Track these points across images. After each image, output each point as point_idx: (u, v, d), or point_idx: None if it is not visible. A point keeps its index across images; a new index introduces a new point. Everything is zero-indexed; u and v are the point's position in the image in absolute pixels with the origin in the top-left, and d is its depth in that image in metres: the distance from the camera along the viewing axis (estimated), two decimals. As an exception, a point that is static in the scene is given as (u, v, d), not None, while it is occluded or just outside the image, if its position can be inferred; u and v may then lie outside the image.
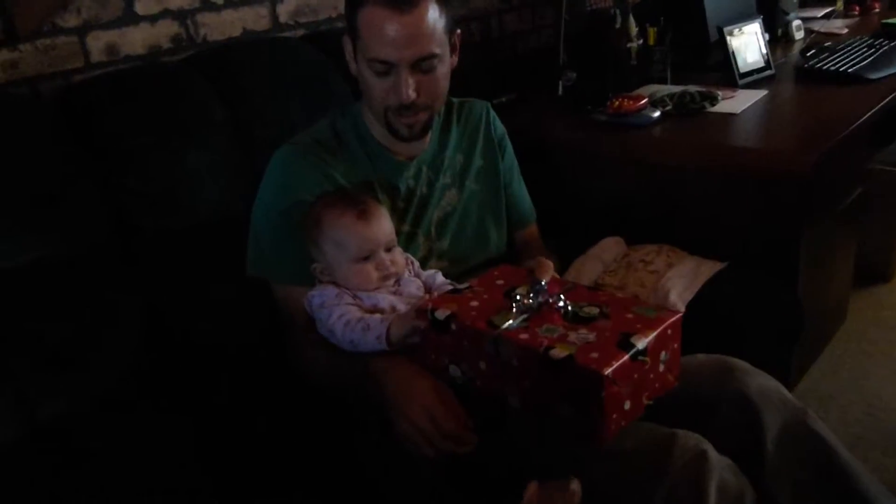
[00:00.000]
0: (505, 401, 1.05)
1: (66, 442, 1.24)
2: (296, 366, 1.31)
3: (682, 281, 1.49)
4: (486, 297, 1.11)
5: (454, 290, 1.15)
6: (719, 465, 1.04)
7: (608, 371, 0.92)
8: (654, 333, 0.99)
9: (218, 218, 1.48)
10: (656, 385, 1.01)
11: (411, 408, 1.08)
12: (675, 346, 1.03)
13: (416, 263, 1.33)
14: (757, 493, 1.09)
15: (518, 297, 1.06)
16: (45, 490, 1.15)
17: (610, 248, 1.66)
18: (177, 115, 1.47)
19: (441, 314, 1.07)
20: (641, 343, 0.97)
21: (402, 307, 1.20)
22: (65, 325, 1.30)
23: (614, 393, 0.94)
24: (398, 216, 1.36)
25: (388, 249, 1.24)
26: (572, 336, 0.99)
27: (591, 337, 0.98)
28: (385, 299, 1.21)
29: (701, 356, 1.27)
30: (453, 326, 1.06)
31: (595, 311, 1.04)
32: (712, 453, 1.04)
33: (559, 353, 0.95)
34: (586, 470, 1.02)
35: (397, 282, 1.25)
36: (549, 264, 1.20)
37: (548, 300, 1.05)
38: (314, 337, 1.23)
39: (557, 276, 1.21)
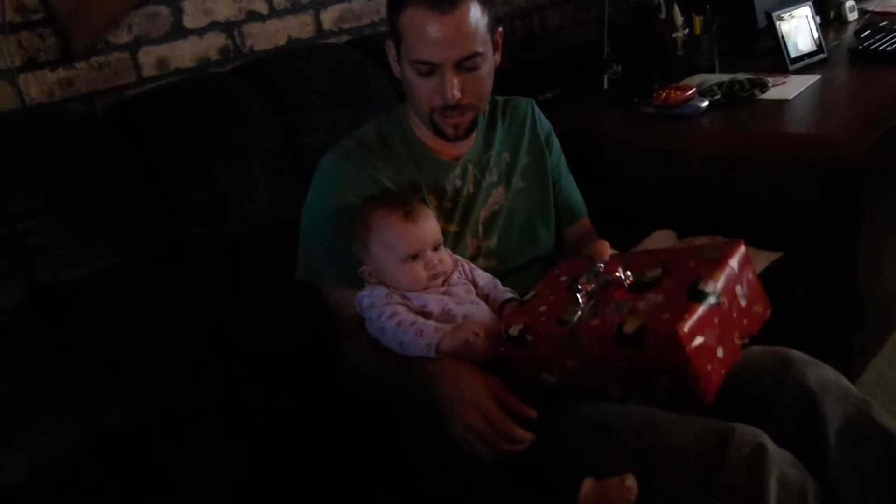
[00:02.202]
0: (604, 392, 1.04)
1: (131, 449, 1.28)
2: (346, 368, 1.32)
3: (735, 272, 1.46)
4: (552, 298, 1.10)
5: (521, 302, 1.14)
6: (779, 459, 1.01)
7: (684, 327, 0.89)
8: (722, 273, 0.95)
9: (270, 224, 1.51)
10: (744, 322, 0.98)
11: (464, 410, 1.08)
12: (750, 275, 1.00)
13: (470, 266, 1.33)
14: (820, 487, 1.07)
15: (580, 287, 1.05)
16: (111, 497, 1.19)
17: (661, 240, 1.64)
18: (227, 126, 1.51)
19: (514, 331, 1.06)
20: (710, 287, 0.94)
21: (452, 307, 1.21)
22: (126, 333, 1.34)
23: (698, 346, 0.90)
24: (445, 216, 1.37)
25: (436, 249, 1.24)
26: (641, 305, 0.96)
27: (660, 299, 0.95)
28: (434, 300, 1.22)
29: (757, 348, 1.24)
30: (529, 338, 1.05)
31: (657, 272, 1.01)
32: (771, 446, 1.01)
33: (631, 326, 0.93)
34: (642, 465, 1.01)
35: (446, 281, 1.25)
36: (605, 244, 1.18)
37: (608, 279, 1.03)
38: (364, 338, 1.24)
39: (616, 253, 1.17)
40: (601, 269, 1.05)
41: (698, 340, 0.90)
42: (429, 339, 1.14)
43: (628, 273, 1.03)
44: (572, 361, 1.03)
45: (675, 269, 1.00)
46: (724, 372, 0.95)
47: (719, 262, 0.97)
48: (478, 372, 1.11)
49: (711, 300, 0.93)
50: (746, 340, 0.98)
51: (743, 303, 0.98)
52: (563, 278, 1.14)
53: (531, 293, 1.15)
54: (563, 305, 1.05)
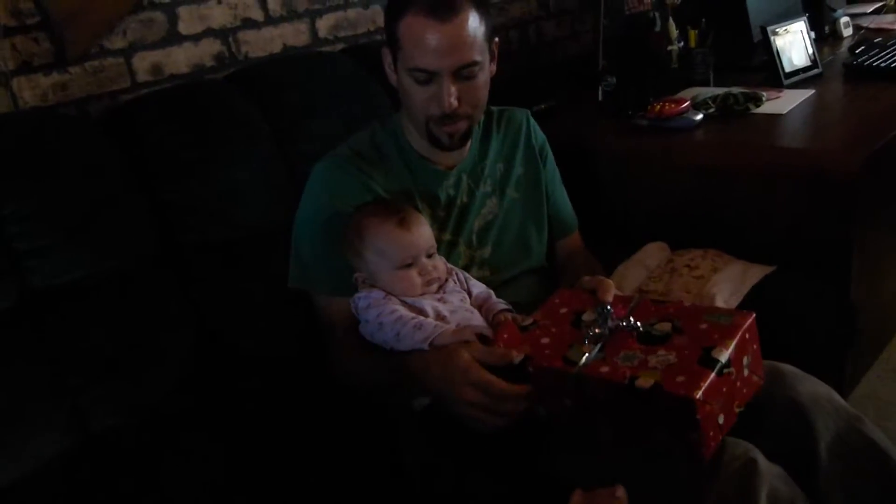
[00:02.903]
0: (595, 430, 1.05)
1: (118, 453, 1.27)
2: (337, 373, 1.32)
3: (728, 286, 1.46)
4: (554, 330, 1.10)
5: (522, 327, 1.14)
6: (769, 473, 1.01)
7: (699, 394, 0.91)
8: (734, 343, 0.97)
9: (263, 230, 1.51)
10: (745, 391, 1.00)
11: (459, 390, 1.07)
12: (755, 346, 1.02)
13: (465, 275, 1.32)
14: (811, 502, 1.06)
15: (589, 328, 1.06)
16: (97, 501, 1.18)
17: (654, 253, 1.64)
18: (220, 132, 1.50)
19: (517, 358, 1.06)
20: (724, 356, 0.96)
21: (446, 314, 1.20)
22: (117, 338, 1.33)
23: (707, 412, 0.93)
24: (438, 225, 1.37)
25: (430, 256, 1.25)
26: (652, 360, 0.98)
27: (672, 358, 0.98)
28: (429, 305, 1.21)
29: (749, 362, 1.25)
30: (530, 369, 1.05)
31: (668, 327, 1.03)
32: (762, 461, 1.01)
33: (645, 382, 0.94)
34: (632, 477, 1.00)
35: (441, 288, 1.25)
36: (609, 283, 1.18)
37: (618, 324, 1.05)
38: (354, 344, 1.24)
39: (620, 294, 1.19)
40: (611, 313, 1.06)
41: (708, 407, 0.93)
42: (427, 333, 1.13)
43: (637, 322, 1.04)
44: (569, 400, 1.04)
45: (685, 327, 1.02)
46: (721, 437, 0.97)
47: (732, 330, 0.99)
48: (456, 347, 1.10)
49: (722, 369, 0.95)
50: (742, 408, 1.00)
51: (746, 373, 1.00)
52: (565, 310, 1.14)
53: (530, 319, 1.15)
54: (567, 341, 1.06)
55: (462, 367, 1.08)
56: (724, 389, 0.95)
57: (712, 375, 0.93)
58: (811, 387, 1.16)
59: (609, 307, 1.08)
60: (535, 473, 1.12)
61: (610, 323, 1.05)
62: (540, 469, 1.12)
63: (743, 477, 0.99)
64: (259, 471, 1.23)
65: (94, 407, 1.29)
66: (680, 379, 0.93)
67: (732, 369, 0.97)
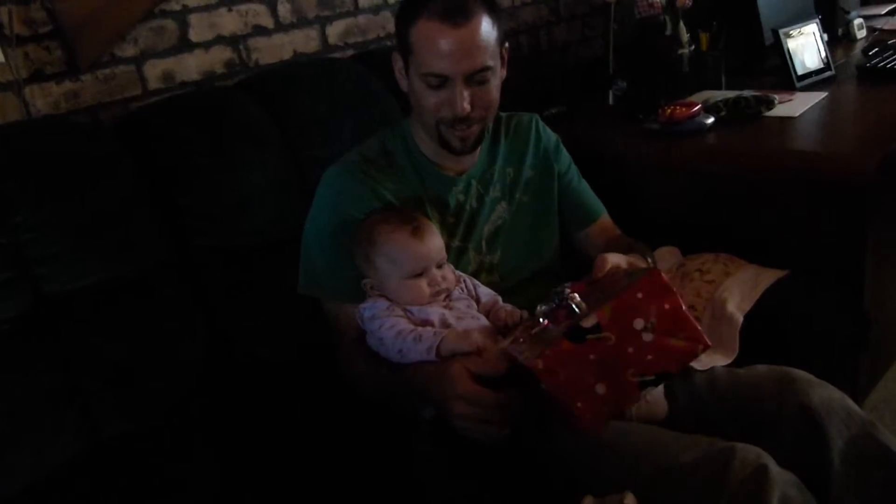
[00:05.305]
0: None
1: (129, 459, 1.28)
2: (347, 380, 1.31)
3: (740, 290, 1.45)
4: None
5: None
6: (781, 480, 1.00)
7: (540, 363, 0.90)
8: (610, 306, 0.93)
9: (275, 236, 1.52)
10: (647, 357, 0.94)
11: (452, 404, 1.07)
12: (666, 306, 0.94)
13: (473, 282, 1.32)
14: (824, 509, 1.05)
15: (541, 311, 1.04)
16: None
17: (665, 257, 1.63)
18: (231, 138, 1.51)
19: (503, 366, 1.06)
20: (589, 322, 0.92)
21: (452, 321, 1.20)
22: (129, 344, 1.34)
23: (558, 381, 0.91)
24: (448, 231, 1.37)
25: (440, 266, 1.24)
26: (553, 333, 0.97)
27: (560, 330, 0.96)
28: (435, 313, 1.21)
29: (761, 367, 1.24)
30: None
31: (597, 299, 0.99)
32: (773, 467, 1.00)
33: (525, 359, 0.94)
34: (642, 484, 1.00)
35: (448, 296, 1.25)
36: (602, 259, 1.13)
37: (555, 304, 1.01)
38: (363, 352, 1.24)
39: (624, 269, 1.12)
40: (567, 293, 1.01)
41: (555, 376, 0.91)
42: (428, 342, 1.13)
43: (572, 304, 0.99)
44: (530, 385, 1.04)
45: (603, 299, 0.98)
46: (607, 410, 0.94)
47: (616, 295, 0.95)
48: (452, 360, 1.10)
49: (584, 335, 0.92)
50: (652, 377, 0.94)
51: (648, 337, 0.94)
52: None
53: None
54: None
55: (451, 379, 1.08)
56: (592, 357, 0.92)
57: (567, 344, 0.91)
58: (824, 392, 1.15)
59: (567, 288, 1.02)
60: (536, 466, 1.12)
61: (553, 303, 1.02)
62: (541, 465, 1.12)
63: (754, 483, 0.98)
64: (270, 478, 1.23)
65: (106, 412, 1.30)
66: (540, 351, 0.92)
67: (609, 334, 0.92)
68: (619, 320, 0.93)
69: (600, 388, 0.93)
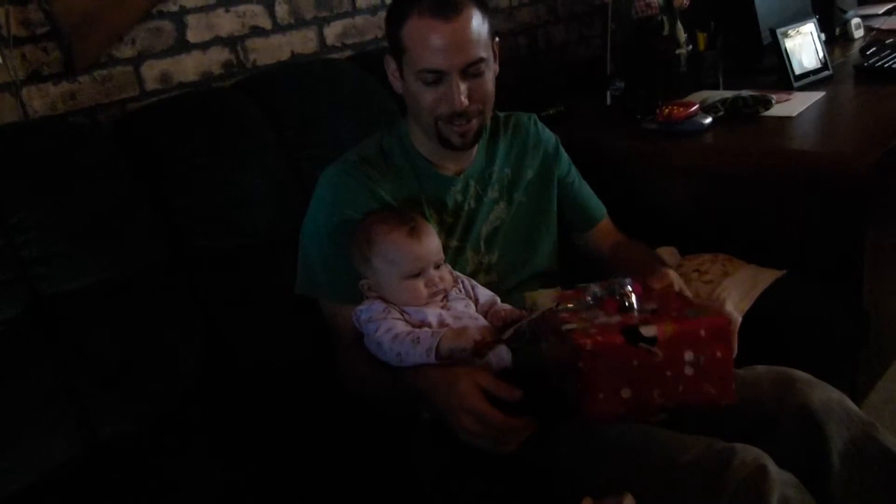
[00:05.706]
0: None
1: (126, 460, 1.27)
2: (345, 381, 1.31)
3: (738, 290, 1.45)
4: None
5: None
6: (780, 480, 1.00)
7: (589, 345, 0.92)
8: (674, 328, 0.95)
9: (272, 238, 1.51)
10: (678, 388, 0.96)
11: (458, 417, 1.07)
12: (718, 354, 0.97)
13: (471, 283, 1.32)
14: (823, 510, 1.05)
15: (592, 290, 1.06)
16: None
17: (663, 258, 1.63)
18: (229, 139, 1.51)
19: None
20: (648, 331, 0.94)
21: (450, 321, 1.20)
22: (126, 345, 1.34)
23: (593, 367, 0.92)
24: (446, 231, 1.37)
25: (437, 266, 1.24)
26: (602, 319, 0.98)
27: (613, 321, 0.97)
28: (433, 313, 1.21)
29: (760, 368, 1.23)
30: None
31: (649, 307, 1.02)
32: (773, 468, 1.00)
33: (568, 327, 0.95)
34: (642, 484, 1.00)
35: (445, 297, 1.25)
36: (667, 276, 1.18)
37: (616, 296, 1.04)
38: (361, 353, 1.24)
39: (673, 291, 1.17)
40: (627, 289, 1.04)
41: (596, 363, 0.92)
42: (427, 344, 1.13)
43: (629, 303, 1.03)
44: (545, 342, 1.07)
45: (660, 310, 1.01)
46: (620, 411, 0.95)
47: (689, 321, 0.97)
48: (462, 371, 1.10)
49: (638, 341, 0.94)
50: (672, 406, 0.97)
51: (689, 371, 0.96)
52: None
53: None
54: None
55: (461, 392, 1.07)
56: (636, 363, 0.94)
57: (621, 340, 0.93)
58: (823, 393, 1.15)
59: (628, 285, 1.05)
60: (537, 469, 1.11)
61: (607, 291, 1.04)
62: (541, 465, 1.11)
63: (753, 483, 0.98)
64: (268, 479, 1.23)
65: (103, 413, 1.29)
66: (592, 331, 0.94)
67: (658, 352, 0.94)
68: (674, 344, 0.95)
69: (625, 393, 0.94)
